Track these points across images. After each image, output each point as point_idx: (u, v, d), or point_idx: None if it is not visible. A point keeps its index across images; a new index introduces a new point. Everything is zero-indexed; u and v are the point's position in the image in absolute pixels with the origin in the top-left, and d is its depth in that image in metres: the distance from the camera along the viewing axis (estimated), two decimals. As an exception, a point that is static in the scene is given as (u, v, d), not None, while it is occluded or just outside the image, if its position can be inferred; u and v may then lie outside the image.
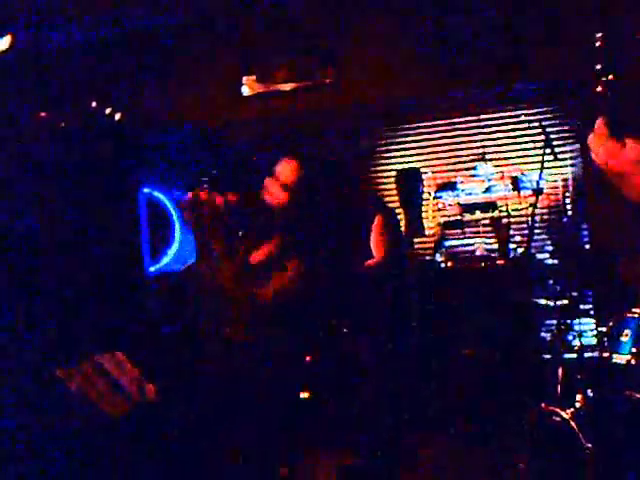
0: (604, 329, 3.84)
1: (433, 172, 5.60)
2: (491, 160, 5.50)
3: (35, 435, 2.53)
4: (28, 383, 2.81)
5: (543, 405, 3.49)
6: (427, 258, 5.48)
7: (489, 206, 5.26)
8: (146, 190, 6.12)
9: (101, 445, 2.76)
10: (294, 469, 2.87)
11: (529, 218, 4.83)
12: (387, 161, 5.74)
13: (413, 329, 4.15)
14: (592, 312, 4.97)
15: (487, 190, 5.43)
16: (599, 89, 1.48)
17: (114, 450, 2.80)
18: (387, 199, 5.37)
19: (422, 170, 5.42)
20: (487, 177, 5.45)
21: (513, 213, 5.20)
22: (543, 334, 4.98)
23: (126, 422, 2.79)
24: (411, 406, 3.93)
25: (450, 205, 5.46)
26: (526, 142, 5.43)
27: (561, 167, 5.37)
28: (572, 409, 3.34)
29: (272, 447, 2.94)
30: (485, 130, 5.58)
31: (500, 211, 5.21)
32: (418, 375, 4.16)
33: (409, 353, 3.94)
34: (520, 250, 5.10)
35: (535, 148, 5.32)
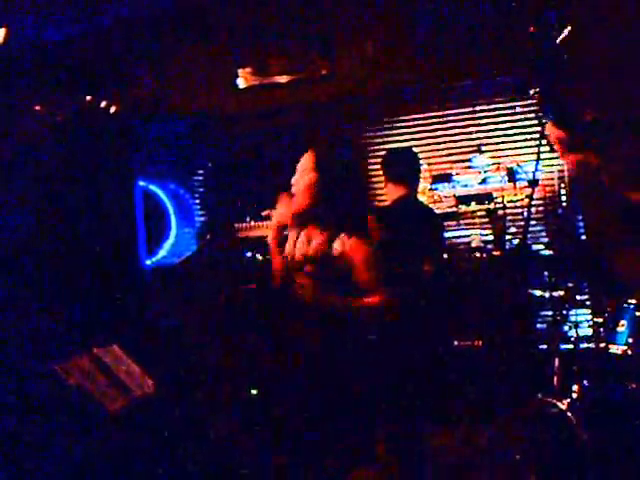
0: (600, 320, 3.85)
1: (429, 164, 5.60)
2: (487, 151, 5.50)
3: (35, 429, 2.53)
4: (27, 378, 2.81)
5: (540, 396, 3.51)
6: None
7: (485, 197, 5.25)
8: (142, 183, 6.10)
9: (100, 439, 2.76)
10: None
11: (525, 209, 4.84)
12: (383, 153, 5.73)
13: (408, 320, 4.13)
14: (588, 303, 4.98)
15: (483, 181, 5.43)
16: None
17: (113, 444, 2.80)
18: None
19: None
20: (483, 168, 5.45)
21: (509, 204, 5.19)
22: (539, 325, 5.00)
23: (125, 416, 2.80)
24: (405, 398, 3.94)
25: (446, 197, 5.46)
26: (522, 133, 5.43)
27: (557, 158, 5.37)
28: (568, 400, 3.36)
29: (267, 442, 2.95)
30: (481, 121, 5.57)
31: (496, 202, 5.20)
32: (412, 366, 4.16)
33: (403, 344, 3.93)
34: (516, 241, 5.10)
35: (531, 139, 5.32)
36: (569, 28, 1.62)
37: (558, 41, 1.61)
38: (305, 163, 3.06)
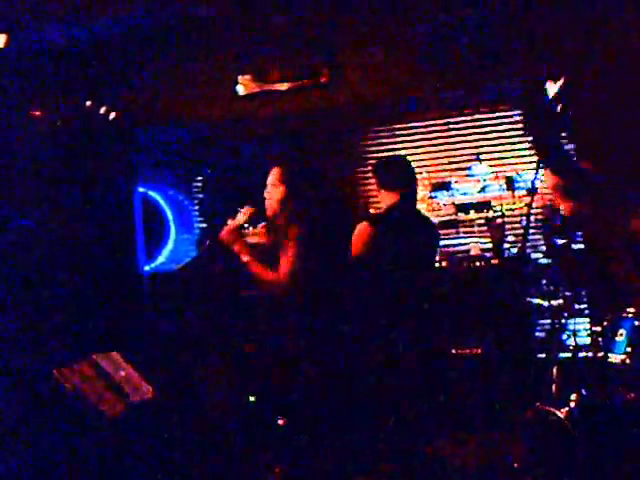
0: (599, 329, 3.85)
1: (428, 172, 5.60)
2: (486, 160, 5.51)
3: (33, 434, 2.53)
4: (27, 383, 2.81)
5: (538, 404, 3.50)
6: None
7: (484, 206, 5.27)
8: (141, 189, 6.11)
9: (98, 443, 2.76)
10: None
11: (523, 218, 4.85)
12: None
13: (407, 328, 4.14)
14: (587, 312, 4.99)
15: (482, 190, 5.43)
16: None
17: (111, 448, 2.80)
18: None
19: (417, 170, 5.43)
20: (482, 177, 5.45)
21: (508, 213, 5.20)
22: (538, 334, 5.00)
23: (123, 421, 2.80)
24: (403, 406, 3.94)
25: (445, 205, 5.46)
26: (521, 142, 5.44)
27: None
28: (567, 408, 3.35)
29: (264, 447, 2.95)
30: (480, 130, 5.59)
31: (495, 211, 5.22)
32: (410, 375, 4.17)
33: (402, 352, 3.93)
34: (514, 250, 5.11)
35: (529, 148, 5.33)
36: (562, 80, 1.65)
37: (552, 95, 1.63)
38: (272, 178, 3.52)
